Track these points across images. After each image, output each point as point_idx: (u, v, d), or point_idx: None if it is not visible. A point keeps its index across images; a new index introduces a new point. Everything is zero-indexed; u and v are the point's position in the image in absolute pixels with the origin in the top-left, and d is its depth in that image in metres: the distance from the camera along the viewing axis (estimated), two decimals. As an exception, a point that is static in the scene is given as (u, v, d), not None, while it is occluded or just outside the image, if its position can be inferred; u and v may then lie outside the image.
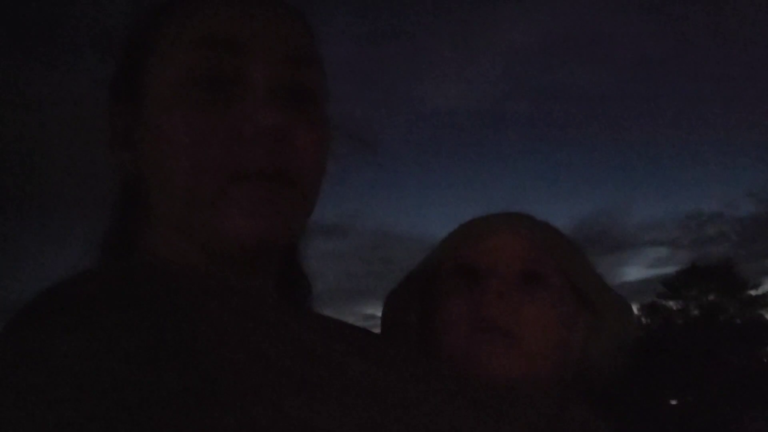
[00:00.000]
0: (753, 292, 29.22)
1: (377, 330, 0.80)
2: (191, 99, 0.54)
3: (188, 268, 0.55)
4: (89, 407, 0.37)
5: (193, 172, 0.53)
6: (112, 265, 0.54)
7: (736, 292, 28.94)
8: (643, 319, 25.21)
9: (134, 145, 0.59)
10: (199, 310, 0.46)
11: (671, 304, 28.49)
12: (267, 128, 0.52)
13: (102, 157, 0.62)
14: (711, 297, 28.84)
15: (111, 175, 0.62)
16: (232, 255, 0.55)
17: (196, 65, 0.54)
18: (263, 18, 0.56)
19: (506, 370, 0.67)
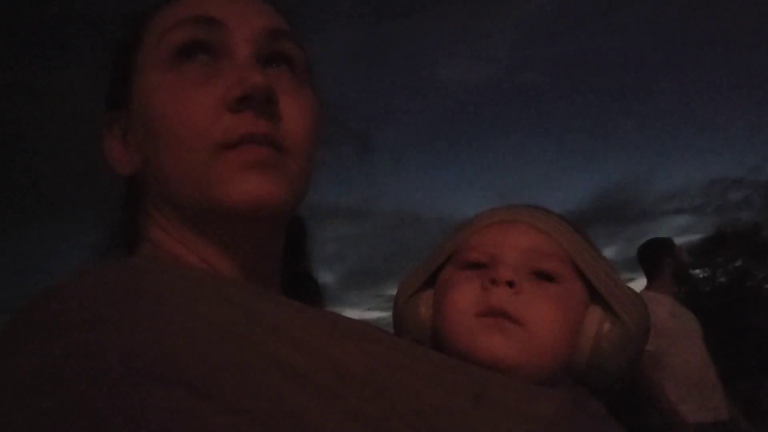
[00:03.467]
0: (782, 257, 28.89)
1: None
2: (174, 73, 0.56)
3: (178, 270, 0.54)
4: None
5: (183, 143, 0.54)
6: (93, 271, 0.51)
7: (763, 257, 28.64)
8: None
9: (130, 141, 0.61)
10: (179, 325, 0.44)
11: (697, 272, 28.26)
12: (251, 91, 0.53)
13: (101, 154, 0.63)
14: (738, 263, 28.65)
15: (112, 178, 0.63)
16: (228, 225, 0.56)
17: (177, 40, 0.56)
18: (240, 2, 0.60)
19: (513, 358, 0.67)
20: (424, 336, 0.75)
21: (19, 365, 0.39)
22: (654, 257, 3.74)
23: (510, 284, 0.69)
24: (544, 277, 0.72)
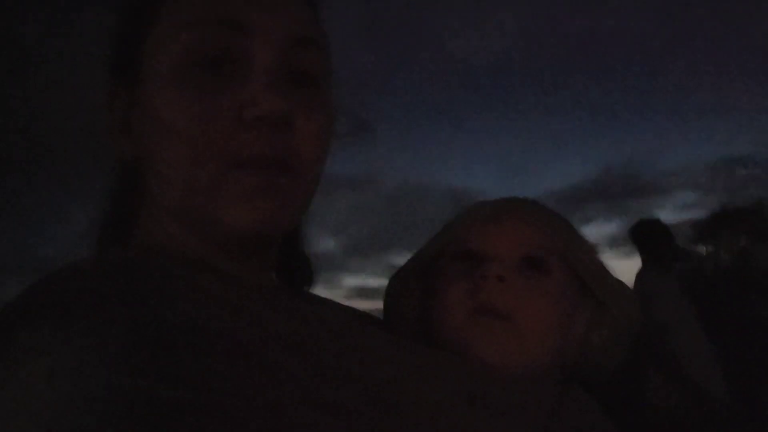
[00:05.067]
0: (787, 236, 28.70)
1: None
2: (190, 78, 0.53)
3: (176, 260, 0.54)
4: (72, 422, 0.35)
5: (190, 158, 0.52)
6: (92, 261, 0.50)
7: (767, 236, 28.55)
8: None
9: (132, 129, 0.58)
10: (182, 314, 0.44)
11: (701, 249, 28.17)
12: (269, 114, 0.51)
13: (102, 117, 0.61)
14: (742, 241, 28.55)
15: (110, 155, 0.61)
16: (229, 242, 0.56)
17: (197, 43, 0.53)
18: (268, 2, 0.55)
19: (503, 354, 0.67)
20: (416, 328, 0.76)
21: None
22: (647, 238, 3.71)
23: (500, 279, 0.69)
24: (534, 268, 0.71)
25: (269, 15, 0.54)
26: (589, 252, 0.76)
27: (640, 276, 3.72)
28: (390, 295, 0.80)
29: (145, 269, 0.49)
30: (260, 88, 0.52)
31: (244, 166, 0.52)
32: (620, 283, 0.77)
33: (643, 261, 3.76)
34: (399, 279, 0.81)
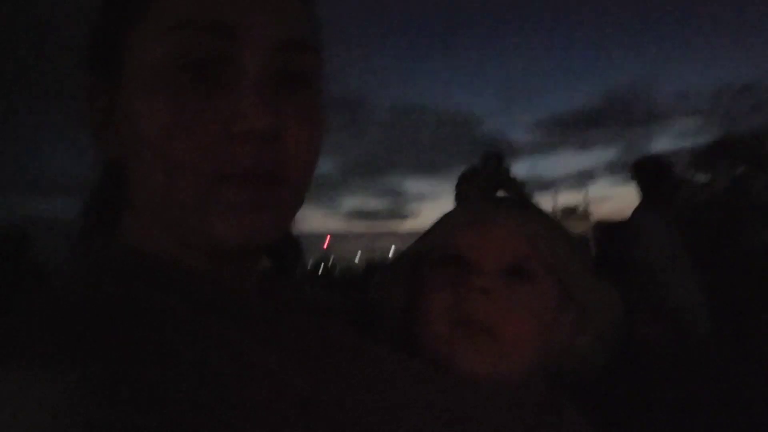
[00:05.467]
0: (786, 166, 28.68)
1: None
2: (175, 84, 0.50)
3: (154, 271, 0.53)
4: None
5: (175, 172, 0.50)
6: (67, 291, 0.50)
7: (766, 166, 28.47)
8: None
9: (115, 125, 0.56)
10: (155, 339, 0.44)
11: (698, 177, 28.19)
12: (258, 129, 0.50)
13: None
14: (740, 170, 28.53)
15: (93, 154, 0.60)
16: (215, 251, 0.55)
17: (184, 46, 0.50)
18: (258, 3, 0.52)
19: (486, 366, 0.68)
20: (399, 327, 0.77)
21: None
22: (649, 176, 3.69)
23: (483, 291, 0.69)
24: (518, 277, 0.72)
25: (260, 17, 0.52)
26: (575, 257, 0.76)
27: (637, 212, 3.73)
28: (376, 290, 0.81)
29: (120, 300, 0.48)
30: (249, 100, 0.50)
31: (230, 181, 0.50)
32: (607, 290, 0.78)
33: (642, 197, 3.76)
34: (385, 276, 0.81)
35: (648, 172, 3.73)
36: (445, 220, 0.80)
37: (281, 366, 0.49)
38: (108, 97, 0.56)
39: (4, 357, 0.40)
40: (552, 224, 0.78)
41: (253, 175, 0.51)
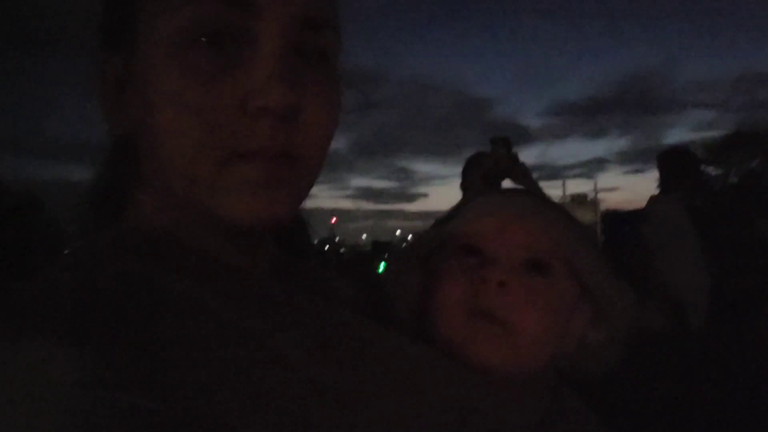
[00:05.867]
0: (800, 160, 28.30)
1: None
2: (192, 57, 0.48)
3: (162, 254, 0.53)
4: None
5: (191, 148, 0.49)
6: (77, 269, 0.49)
7: (781, 160, 28.11)
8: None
9: (127, 100, 0.55)
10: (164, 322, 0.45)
11: (710, 168, 27.93)
12: (275, 105, 0.48)
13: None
14: (754, 164, 28.22)
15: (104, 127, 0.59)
16: (227, 230, 0.54)
17: (200, 18, 0.48)
18: None
19: (500, 358, 0.68)
20: (413, 314, 0.76)
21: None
22: (677, 167, 3.63)
23: (501, 284, 0.69)
24: (536, 271, 0.71)
25: None
26: (592, 253, 0.76)
27: (654, 198, 3.69)
28: (391, 275, 0.80)
29: (133, 277, 0.48)
30: (266, 75, 0.49)
31: (245, 158, 0.50)
32: (621, 287, 0.77)
33: (662, 187, 3.71)
34: (401, 261, 0.80)
35: (674, 162, 3.67)
36: (464, 209, 0.79)
37: (291, 347, 0.49)
38: (121, 71, 0.55)
39: (14, 332, 0.40)
40: (570, 219, 0.77)
41: (269, 153, 0.50)
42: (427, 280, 0.77)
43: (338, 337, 0.55)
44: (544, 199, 0.78)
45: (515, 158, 3.03)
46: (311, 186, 0.58)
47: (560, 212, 0.77)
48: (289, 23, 0.50)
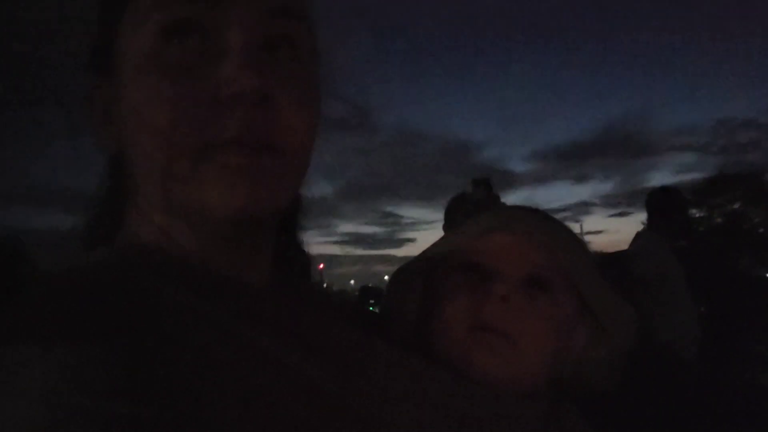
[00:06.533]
0: (781, 202, 28.77)
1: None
2: (164, 61, 0.50)
3: (159, 264, 0.53)
4: None
5: (169, 145, 0.49)
6: (73, 276, 0.50)
7: (762, 201, 28.57)
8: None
9: (114, 122, 0.56)
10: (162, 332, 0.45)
11: (694, 211, 28.26)
12: (244, 93, 0.48)
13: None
14: (736, 206, 28.60)
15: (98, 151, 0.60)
16: (215, 229, 0.53)
17: (169, 22, 0.50)
18: None
19: (500, 372, 0.68)
20: (415, 329, 0.76)
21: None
22: (664, 208, 3.67)
23: (503, 299, 0.69)
24: (537, 287, 0.72)
25: None
26: (593, 270, 0.76)
27: (641, 234, 3.72)
28: (392, 291, 0.80)
29: (124, 286, 0.48)
30: (235, 65, 0.49)
31: (224, 148, 0.49)
32: (623, 304, 0.78)
33: (650, 226, 3.73)
34: (402, 277, 0.80)
35: (662, 203, 3.71)
36: (469, 224, 0.79)
37: (291, 357, 0.49)
38: (106, 93, 0.56)
39: (9, 340, 0.41)
40: (571, 236, 0.78)
41: (246, 141, 0.50)
42: (428, 295, 0.77)
43: (338, 348, 0.55)
44: (546, 217, 0.78)
45: (496, 198, 3.07)
46: (296, 183, 0.57)
47: (561, 229, 0.77)
48: (254, 14, 0.51)
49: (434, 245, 0.81)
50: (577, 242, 0.77)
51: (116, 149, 0.57)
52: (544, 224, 0.76)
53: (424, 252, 0.81)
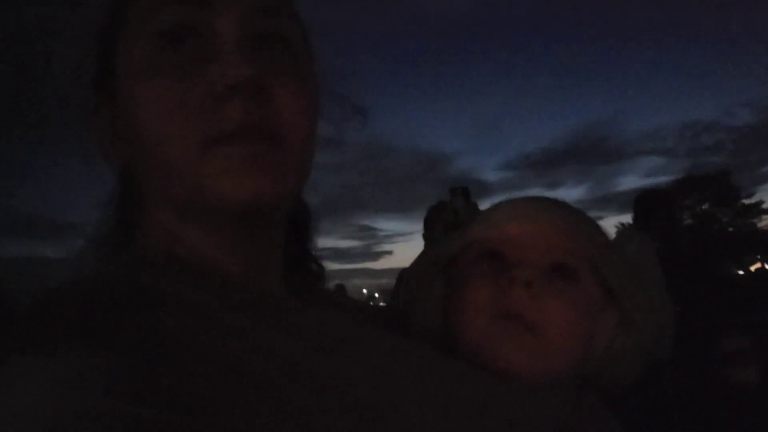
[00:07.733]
0: (746, 201, 29.31)
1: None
2: (161, 65, 0.51)
3: (172, 270, 0.53)
4: None
5: (169, 142, 0.50)
6: (87, 282, 0.50)
7: (729, 201, 29.06)
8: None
9: (120, 134, 0.57)
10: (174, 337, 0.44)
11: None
12: (239, 82, 0.50)
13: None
14: (705, 206, 29.08)
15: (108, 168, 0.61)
16: (226, 228, 0.54)
17: (163, 27, 0.52)
18: None
19: (525, 362, 0.65)
20: (434, 324, 0.75)
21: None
22: (651, 210, 3.72)
23: (528, 285, 0.67)
24: (562, 275, 0.70)
25: None
26: (618, 258, 0.74)
27: (624, 232, 3.74)
28: (413, 284, 0.79)
29: (138, 289, 0.48)
30: (228, 57, 0.51)
31: (223, 141, 0.50)
32: (651, 289, 0.76)
33: (636, 226, 3.76)
34: (422, 269, 0.79)
35: (646, 205, 3.75)
36: (489, 213, 0.77)
37: (309, 358, 0.49)
38: (110, 108, 0.58)
39: (24, 346, 0.41)
40: (594, 224, 0.75)
41: (246, 131, 0.51)
42: (449, 286, 0.75)
43: (357, 346, 0.55)
44: (566, 205, 0.77)
45: (475, 207, 3.09)
46: (300, 176, 0.57)
47: (584, 217, 0.76)
48: (244, 13, 0.53)
49: (453, 236, 0.78)
50: (599, 230, 0.75)
51: (124, 163, 0.59)
52: (565, 212, 0.74)
53: (443, 243, 0.79)
